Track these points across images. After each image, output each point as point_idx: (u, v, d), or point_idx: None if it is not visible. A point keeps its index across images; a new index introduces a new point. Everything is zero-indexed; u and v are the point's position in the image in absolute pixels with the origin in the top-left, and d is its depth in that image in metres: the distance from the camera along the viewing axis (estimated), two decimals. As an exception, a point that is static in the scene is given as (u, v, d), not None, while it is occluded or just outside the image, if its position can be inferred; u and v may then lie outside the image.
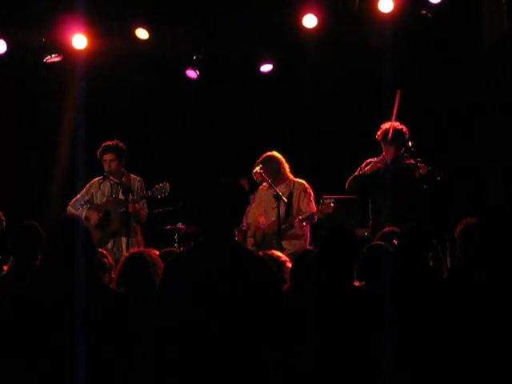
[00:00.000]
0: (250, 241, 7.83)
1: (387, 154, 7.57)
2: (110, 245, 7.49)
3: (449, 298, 4.49)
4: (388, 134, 7.46)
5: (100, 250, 5.81)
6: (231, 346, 3.66)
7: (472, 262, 4.63)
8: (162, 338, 3.79)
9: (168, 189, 7.38)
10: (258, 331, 3.71)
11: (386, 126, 7.54)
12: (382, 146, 7.58)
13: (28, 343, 3.88)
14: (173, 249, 5.61)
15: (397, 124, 7.49)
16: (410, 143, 7.48)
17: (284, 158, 7.92)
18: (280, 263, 5.23)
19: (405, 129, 7.50)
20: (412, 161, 7.45)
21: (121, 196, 7.55)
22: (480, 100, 8.79)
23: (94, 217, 7.59)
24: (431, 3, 8.45)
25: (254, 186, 8.07)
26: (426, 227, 4.93)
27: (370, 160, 7.62)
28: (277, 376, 3.85)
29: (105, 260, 5.39)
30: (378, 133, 7.57)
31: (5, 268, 5.38)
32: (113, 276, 5.21)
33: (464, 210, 7.45)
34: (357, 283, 4.70)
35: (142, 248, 6.18)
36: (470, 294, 4.48)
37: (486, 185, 8.82)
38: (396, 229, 5.58)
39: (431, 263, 4.95)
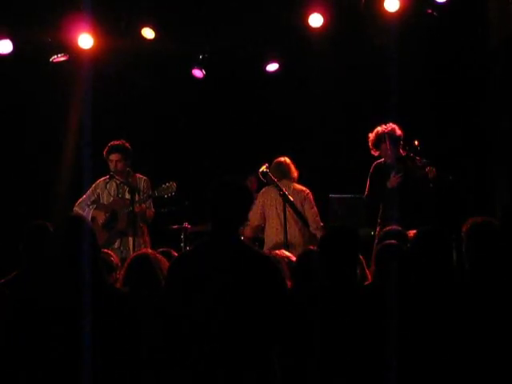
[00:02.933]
0: None
1: (385, 157, 7.55)
2: (116, 244, 7.50)
3: (456, 297, 4.47)
4: (374, 140, 7.49)
5: (106, 250, 5.84)
6: (236, 345, 3.68)
7: (479, 261, 4.63)
8: (167, 337, 3.81)
9: (174, 188, 7.38)
10: (263, 330, 3.72)
11: (371, 134, 7.55)
12: (378, 152, 7.58)
13: (33, 343, 3.91)
14: (169, 249, 5.60)
15: (381, 128, 7.48)
16: (416, 142, 7.46)
17: (289, 156, 7.92)
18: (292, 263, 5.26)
19: (390, 128, 7.46)
20: (418, 161, 7.42)
21: (127, 196, 7.56)
22: (485, 100, 8.78)
23: (101, 217, 7.60)
24: (437, 2, 8.43)
25: (262, 184, 8.08)
26: (446, 230, 4.87)
27: (378, 162, 7.61)
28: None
29: (111, 259, 5.41)
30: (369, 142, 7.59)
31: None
32: (118, 276, 5.23)
33: (470, 208, 7.47)
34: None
35: (143, 249, 6.21)
36: (477, 293, 4.48)
37: (492, 184, 8.82)
38: (399, 228, 5.57)
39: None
